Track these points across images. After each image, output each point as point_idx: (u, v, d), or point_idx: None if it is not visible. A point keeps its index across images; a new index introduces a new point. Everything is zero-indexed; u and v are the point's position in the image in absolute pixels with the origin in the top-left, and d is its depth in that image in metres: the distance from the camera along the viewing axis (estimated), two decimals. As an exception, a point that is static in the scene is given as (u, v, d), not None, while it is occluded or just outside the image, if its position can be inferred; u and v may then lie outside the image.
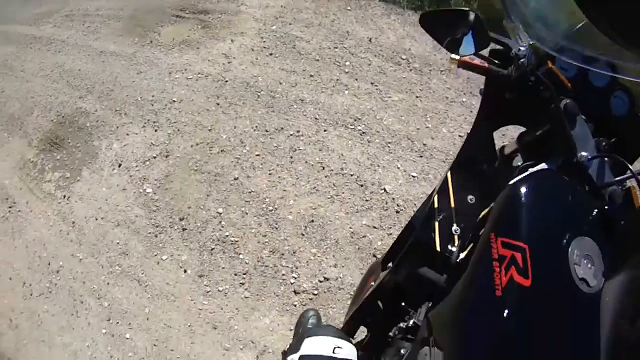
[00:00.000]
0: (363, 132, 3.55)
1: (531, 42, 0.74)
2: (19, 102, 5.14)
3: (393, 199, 3.12)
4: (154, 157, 3.65)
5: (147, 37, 5.23)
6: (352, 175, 3.28)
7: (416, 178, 3.20)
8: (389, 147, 3.43)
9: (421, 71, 3.98)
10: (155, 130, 3.86)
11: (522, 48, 1.16)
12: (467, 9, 1.29)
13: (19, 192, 3.98)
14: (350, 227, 2.99)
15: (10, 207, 3.88)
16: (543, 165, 1.09)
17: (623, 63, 0.60)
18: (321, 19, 4.88)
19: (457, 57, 1.29)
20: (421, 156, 3.33)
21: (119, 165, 3.70)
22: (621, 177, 1.03)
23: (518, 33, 0.76)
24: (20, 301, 3.26)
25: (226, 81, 4.16)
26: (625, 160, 1.06)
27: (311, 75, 4.07)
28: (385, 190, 3.17)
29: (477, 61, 1.30)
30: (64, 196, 3.72)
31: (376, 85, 3.88)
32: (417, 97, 3.75)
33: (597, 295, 0.80)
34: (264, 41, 4.63)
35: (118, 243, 3.23)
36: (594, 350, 0.77)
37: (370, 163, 3.35)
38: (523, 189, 0.95)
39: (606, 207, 0.93)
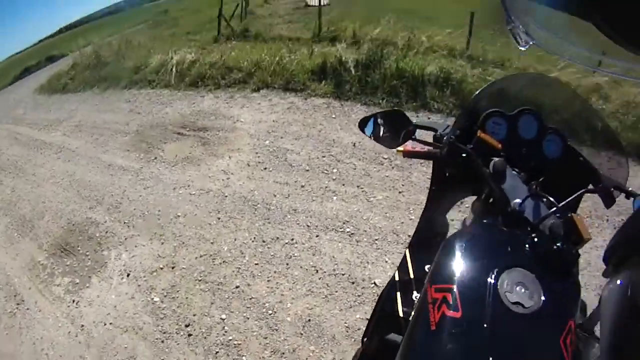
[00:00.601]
0: (352, 234, 3.80)
1: (531, 43, 0.73)
2: (30, 205, 5.46)
3: (383, 290, 3.31)
4: (161, 268, 3.90)
5: (152, 153, 5.67)
6: (343, 274, 3.45)
7: (403, 269, 3.38)
8: (376, 244, 3.66)
9: (402, 167, 4.35)
10: (162, 243, 4.15)
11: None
12: (396, 109, 1.53)
13: (27, 292, 4.17)
14: (345, 323, 3.09)
15: (18, 304, 4.05)
16: (483, 222, 1.21)
17: (624, 64, 0.58)
18: (309, 129, 5.32)
19: (401, 148, 1.44)
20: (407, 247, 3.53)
21: (128, 275, 3.94)
22: (549, 211, 1.08)
23: (519, 34, 0.73)
24: (22, 394, 3.34)
25: (226, 196, 4.55)
26: (568, 195, 1.15)
27: (302, 186, 4.44)
28: (375, 284, 3.32)
29: (418, 148, 1.44)
30: (73, 300, 3.91)
31: (362, 188, 4.21)
32: (399, 192, 4.05)
33: (537, 312, 0.86)
34: (259, 156, 5.06)
35: (126, 347, 3.38)
36: None
37: (360, 261, 3.53)
38: (454, 240, 1.04)
39: (535, 240, 0.98)
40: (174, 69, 8.34)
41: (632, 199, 1.24)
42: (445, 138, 1.34)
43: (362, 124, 1.52)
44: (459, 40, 8.40)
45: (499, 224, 1.15)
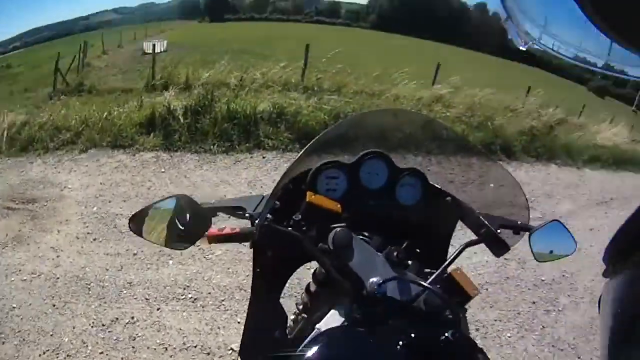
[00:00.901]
0: (195, 299, 3.73)
1: (531, 42, 0.66)
2: None
3: (243, 354, 3.29)
4: (9, 375, 3.48)
5: (-18, 240, 5.21)
6: (195, 346, 3.30)
7: (258, 325, 3.41)
8: (223, 305, 3.62)
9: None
10: (3, 343, 3.78)
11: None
12: (179, 194, 1.16)
13: None
14: (211, 399, 2.98)
15: None
16: (331, 316, 0.96)
17: (623, 63, 0.56)
18: (138, 188, 5.32)
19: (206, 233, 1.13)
20: (258, 303, 3.55)
21: (-18, 389, 3.59)
22: (415, 294, 0.91)
23: (518, 33, 0.66)
24: None
25: (57, 278, 4.32)
26: (440, 246, 1.03)
27: (135, 254, 4.41)
28: (232, 349, 3.22)
29: (227, 230, 1.16)
30: None
31: (198, 245, 4.18)
32: (240, 243, 4.09)
33: None
34: (87, 226, 4.96)
35: None
36: None
37: (210, 328, 3.44)
38: None
39: (413, 335, 0.81)
40: (5, 133, 7.75)
41: (527, 234, 1.07)
42: (258, 220, 1.08)
43: (136, 224, 1.12)
44: (295, 72, 8.79)
45: (355, 316, 0.93)
